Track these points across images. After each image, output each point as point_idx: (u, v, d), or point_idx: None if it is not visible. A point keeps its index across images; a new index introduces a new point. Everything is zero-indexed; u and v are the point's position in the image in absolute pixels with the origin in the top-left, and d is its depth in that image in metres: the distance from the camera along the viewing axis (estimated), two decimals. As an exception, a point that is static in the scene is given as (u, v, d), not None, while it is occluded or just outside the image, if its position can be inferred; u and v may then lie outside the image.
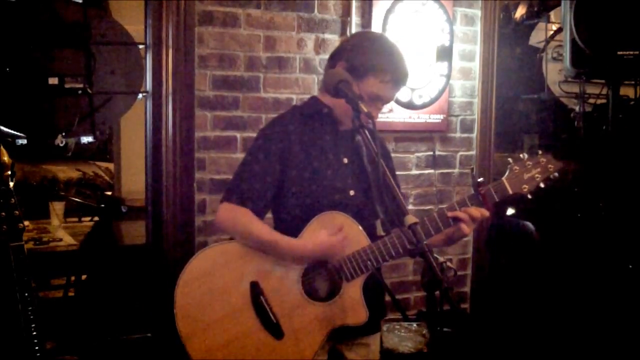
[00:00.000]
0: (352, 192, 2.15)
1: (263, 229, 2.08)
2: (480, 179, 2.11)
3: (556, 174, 2.12)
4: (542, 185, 2.11)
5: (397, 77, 2.12)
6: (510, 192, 2.09)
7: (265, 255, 2.09)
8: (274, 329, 2.05)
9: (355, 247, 2.06)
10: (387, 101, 2.18)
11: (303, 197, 2.12)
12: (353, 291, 2.06)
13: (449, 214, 2.04)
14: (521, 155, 2.13)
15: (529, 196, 2.12)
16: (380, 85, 2.10)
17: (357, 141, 2.20)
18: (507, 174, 2.12)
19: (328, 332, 2.06)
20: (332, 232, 2.04)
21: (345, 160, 2.18)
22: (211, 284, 2.07)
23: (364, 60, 2.10)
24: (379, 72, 2.09)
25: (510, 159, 2.14)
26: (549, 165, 2.11)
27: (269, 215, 2.22)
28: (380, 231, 2.18)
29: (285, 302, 2.06)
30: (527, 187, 2.10)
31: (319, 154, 2.15)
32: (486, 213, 2.06)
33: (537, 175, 2.10)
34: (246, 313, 2.05)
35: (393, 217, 2.09)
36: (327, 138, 2.18)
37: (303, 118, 2.20)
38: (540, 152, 2.15)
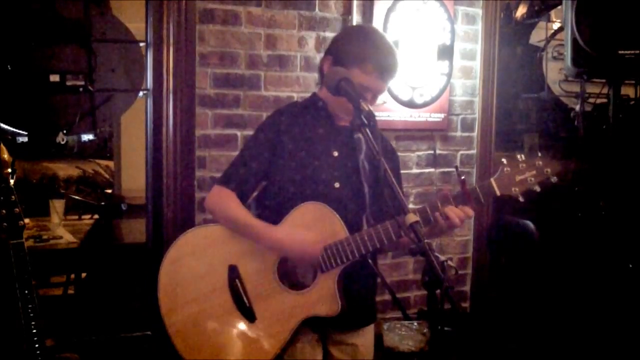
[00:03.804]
0: (337, 185, 2.15)
1: (241, 212, 2.13)
2: (463, 177, 2.04)
3: (555, 178, 2.01)
4: (537, 188, 2.01)
5: (381, 68, 2.09)
6: (498, 193, 2.02)
7: (246, 240, 2.14)
8: (247, 313, 2.11)
9: (333, 238, 2.07)
10: (376, 93, 2.15)
11: (287, 185, 2.15)
12: (327, 282, 2.07)
13: (437, 213, 2.01)
14: (517, 156, 2.04)
15: (521, 199, 2.02)
16: (365, 77, 2.08)
17: (356, 138, 2.20)
18: (497, 174, 2.05)
19: (300, 321, 2.09)
20: (315, 238, 2.05)
21: (336, 154, 2.18)
22: (193, 264, 2.16)
23: (348, 52, 2.10)
24: (361, 63, 2.08)
25: (504, 159, 2.06)
26: (546, 168, 2.01)
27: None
28: (365, 226, 2.18)
29: (260, 287, 2.11)
30: (517, 189, 2.02)
31: (308, 145, 2.17)
32: (471, 213, 2.01)
33: (530, 177, 2.01)
34: (223, 295, 2.13)
35: (384, 214, 2.10)
36: (320, 131, 2.20)
37: (298, 111, 2.24)
38: (539, 153, 2.05)
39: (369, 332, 2.32)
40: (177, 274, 2.17)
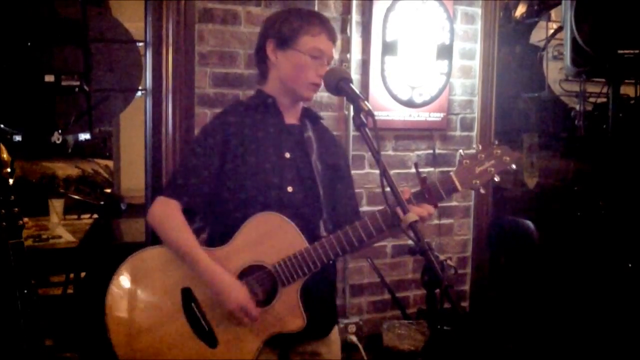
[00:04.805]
0: (290, 189, 2.06)
1: (185, 237, 1.99)
2: (424, 175, 2.02)
3: (513, 166, 1.98)
4: (496, 178, 1.99)
5: (326, 27, 2.10)
6: (460, 188, 1.98)
7: None
8: (208, 338, 1.98)
9: (290, 250, 1.97)
10: (329, 56, 2.11)
11: (238, 192, 2.03)
12: (289, 296, 1.97)
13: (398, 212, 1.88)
14: (474, 147, 2.02)
15: (482, 190, 2.01)
16: (315, 40, 2.07)
17: (306, 137, 2.14)
18: (456, 168, 2.01)
19: (264, 340, 1.99)
20: (251, 305, 1.93)
21: (288, 155, 2.09)
22: (142, 291, 2.02)
23: (290, 26, 2.09)
24: (307, 28, 2.08)
25: (460, 151, 2.05)
26: (505, 157, 1.97)
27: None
28: (322, 231, 2.10)
29: (219, 309, 1.97)
30: (477, 181, 1.98)
31: (258, 147, 2.07)
32: (432, 210, 1.95)
33: (490, 168, 1.97)
34: (178, 321, 1.98)
35: (341, 216, 2.06)
36: (270, 131, 2.10)
37: (245, 110, 2.14)
38: (496, 142, 2.02)
39: (333, 337, 2.22)
40: (125, 303, 2.01)
